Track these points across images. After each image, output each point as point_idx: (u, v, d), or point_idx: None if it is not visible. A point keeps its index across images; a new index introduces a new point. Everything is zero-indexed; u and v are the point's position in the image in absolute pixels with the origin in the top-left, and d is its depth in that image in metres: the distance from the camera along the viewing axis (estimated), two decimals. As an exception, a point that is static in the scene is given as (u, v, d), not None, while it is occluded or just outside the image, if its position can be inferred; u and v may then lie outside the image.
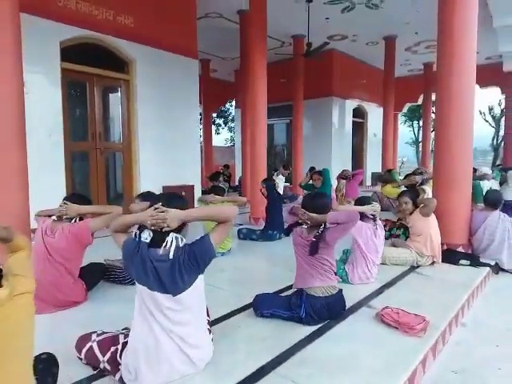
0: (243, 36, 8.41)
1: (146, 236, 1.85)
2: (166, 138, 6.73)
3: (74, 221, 2.79)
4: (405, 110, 16.81)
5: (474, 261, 3.87)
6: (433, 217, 3.78)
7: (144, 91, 6.38)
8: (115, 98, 6.36)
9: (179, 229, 1.86)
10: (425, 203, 3.83)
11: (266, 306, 2.49)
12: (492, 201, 4.14)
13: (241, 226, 5.27)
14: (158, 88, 6.57)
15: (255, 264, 4.03)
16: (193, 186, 7.00)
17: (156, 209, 1.82)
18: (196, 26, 7.19)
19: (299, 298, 2.43)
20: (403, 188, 4.97)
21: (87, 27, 5.52)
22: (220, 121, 24.31)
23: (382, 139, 11.13)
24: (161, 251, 1.81)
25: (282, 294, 2.80)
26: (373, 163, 14.22)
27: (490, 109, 27.68)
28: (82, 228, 2.73)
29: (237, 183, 12.88)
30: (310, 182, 6.61)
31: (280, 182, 9.06)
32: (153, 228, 1.82)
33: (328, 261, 2.48)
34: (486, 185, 9.20)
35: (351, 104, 12.58)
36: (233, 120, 24.28)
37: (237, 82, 13.82)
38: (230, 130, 24.45)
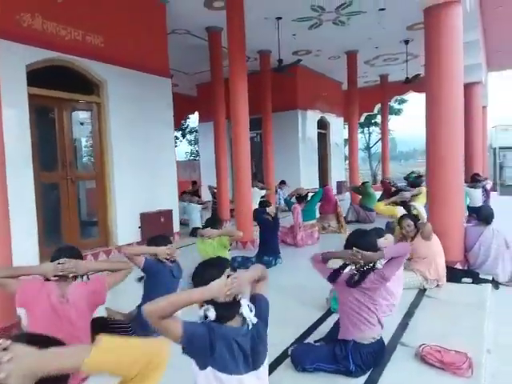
0: (214, 52, 8.27)
1: (211, 314, 1.53)
2: (142, 162, 6.37)
3: (82, 279, 2.44)
4: (362, 119, 17.41)
5: (475, 278, 3.98)
6: (435, 239, 3.83)
7: (117, 113, 6.00)
8: (86, 123, 5.93)
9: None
10: (420, 228, 3.87)
11: (308, 359, 2.33)
12: (485, 216, 4.29)
13: (234, 254, 5.06)
14: (131, 110, 6.21)
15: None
16: (171, 211, 6.68)
17: (229, 276, 1.54)
18: (167, 44, 6.92)
19: (344, 348, 2.30)
20: (398, 207, 5.03)
21: (54, 49, 5.09)
22: (178, 133, 23.75)
23: (349, 149, 11.40)
24: (237, 324, 1.55)
25: (318, 342, 2.66)
26: (337, 172, 14.57)
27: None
28: (100, 285, 2.40)
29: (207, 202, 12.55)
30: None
31: (256, 196, 8.95)
32: (226, 300, 1.51)
33: (378, 303, 2.39)
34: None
35: (315, 116, 12.80)
36: (191, 133, 23.90)
37: (200, 96, 13.62)
38: (190, 143, 24.00)
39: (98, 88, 5.88)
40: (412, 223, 3.93)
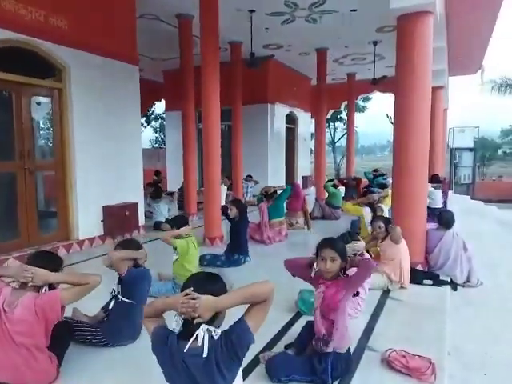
0: (184, 40, 8.02)
1: (175, 326, 1.58)
2: (106, 152, 6.10)
3: (41, 290, 2.28)
4: (329, 115, 17.66)
5: (435, 280, 4.17)
6: (403, 243, 3.97)
7: (79, 101, 5.69)
8: (46, 110, 5.57)
9: (213, 319, 1.57)
10: (390, 231, 4.00)
11: (283, 371, 2.31)
12: (446, 221, 4.50)
13: (203, 252, 4.98)
14: (95, 97, 5.91)
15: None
16: (136, 204, 6.47)
17: (187, 295, 1.54)
18: (136, 30, 6.62)
19: (325, 360, 2.28)
20: (365, 207, 5.16)
21: (12, 29, 4.71)
22: (142, 120, 23.01)
23: (315, 145, 11.55)
24: (190, 345, 1.53)
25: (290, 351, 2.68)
26: (303, 167, 14.75)
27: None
28: (51, 300, 2.23)
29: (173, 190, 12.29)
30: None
31: (222, 192, 8.87)
32: (183, 317, 1.55)
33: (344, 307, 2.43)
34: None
35: (284, 110, 12.83)
36: (156, 119, 23.25)
37: (167, 84, 13.22)
38: (155, 130, 23.32)
39: (60, 73, 5.53)
40: (383, 225, 4.04)
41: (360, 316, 3.28)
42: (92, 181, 5.88)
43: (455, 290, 4.13)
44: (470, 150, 17.97)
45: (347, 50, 10.91)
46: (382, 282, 3.91)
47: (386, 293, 3.87)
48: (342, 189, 9.75)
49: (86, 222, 5.83)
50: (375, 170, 11.50)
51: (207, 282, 1.64)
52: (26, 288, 2.28)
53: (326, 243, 2.50)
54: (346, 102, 15.16)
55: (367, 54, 11.26)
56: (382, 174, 10.55)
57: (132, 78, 6.56)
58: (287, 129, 13.31)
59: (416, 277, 4.13)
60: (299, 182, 14.34)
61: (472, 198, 14.81)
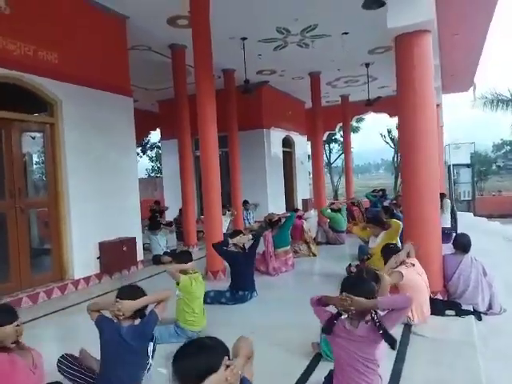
0: (177, 70, 7.97)
1: None
2: (101, 187, 5.87)
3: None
4: (324, 138, 17.65)
5: (458, 310, 3.88)
6: (419, 278, 3.66)
7: (72, 135, 5.50)
8: (38, 146, 5.38)
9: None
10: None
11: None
12: (462, 245, 4.25)
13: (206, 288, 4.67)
14: (88, 131, 5.74)
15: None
16: (134, 239, 6.18)
17: (228, 367, 1.44)
18: (128, 61, 6.53)
19: None
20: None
21: (1, 65, 4.56)
22: (138, 149, 22.96)
23: (313, 167, 11.41)
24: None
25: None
26: (302, 190, 14.57)
27: (389, 131, 30.72)
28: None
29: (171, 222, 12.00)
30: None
31: (225, 222, 8.61)
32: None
33: (376, 360, 2.14)
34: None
35: (280, 134, 12.77)
36: (152, 148, 23.17)
37: (162, 113, 13.18)
38: (151, 159, 23.21)
39: (51, 108, 5.37)
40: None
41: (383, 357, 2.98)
42: (87, 217, 5.63)
43: (480, 319, 3.84)
44: (468, 166, 17.90)
45: (340, 72, 10.97)
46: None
47: (407, 327, 3.58)
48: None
49: (82, 259, 5.54)
50: (374, 191, 11.36)
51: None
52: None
53: (345, 286, 2.25)
54: (340, 124, 15.20)
55: (360, 76, 11.32)
56: (383, 192, 10.41)
57: (126, 109, 6.42)
58: (284, 152, 13.22)
59: (437, 308, 3.84)
60: (299, 205, 14.16)
61: (474, 215, 14.62)
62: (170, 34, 7.22)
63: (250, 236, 4.74)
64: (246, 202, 10.73)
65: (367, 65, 10.14)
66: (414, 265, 3.73)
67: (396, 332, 3.35)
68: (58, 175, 5.41)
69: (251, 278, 4.60)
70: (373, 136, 34.40)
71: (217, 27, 6.58)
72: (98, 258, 5.70)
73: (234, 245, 4.60)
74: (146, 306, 2.58)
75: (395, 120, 26.70)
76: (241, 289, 4.45)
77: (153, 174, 22.55)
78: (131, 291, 2.55)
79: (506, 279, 5.02)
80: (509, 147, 50.93)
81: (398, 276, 3.56)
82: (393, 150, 31.07)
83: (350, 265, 5.12)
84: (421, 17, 4.01)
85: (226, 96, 9.84)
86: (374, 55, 9.41)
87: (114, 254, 5.74)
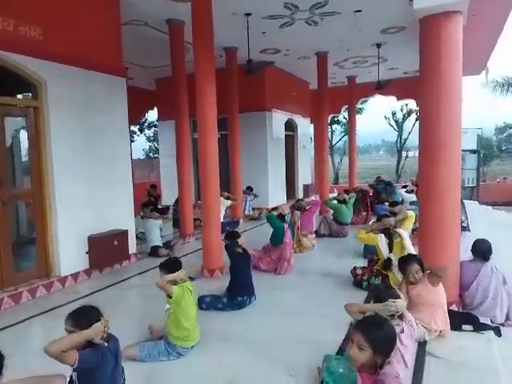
0: (175, 46, 7.42)
1: None
2: (91, 176, 5.47)
3: None
4: (328, 120, 17.08)
5: (476, 324, 3.56)
6: (441, 284, 3.34)
7: (58, 119, 5.05)
8: (20, 132, 4.94)
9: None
10: (433, 271, 3.36)
11: None
12: (482, 251, 3.89)
13: (202, 292, 4.33)
14: (76, 114, 5.28)
15: (242, 361, 3.15)
16: (126, 232, 5.80)
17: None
18: (121, 39, 5.99)
19: None
20: (380, 235, 4.54)
21: (-24, 41, 4.08)
22: (135, 128, 22.31)
23: (315, 151, 10.96)
24: None
25: None
26: (303, 175, 14.14)
27: (393, 114, 30.02)
28: None
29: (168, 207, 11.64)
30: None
31: (221, 207, 8.24)
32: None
33: None
34: (411, 198, 9.55)
35: (283, 117, 12.23)
36: (149, 127, 22.57)
37: (159, 92, 12.61)
38: (148, 139, 22.60)
39: (35, 89, 4.89)
40: (419, 267, 3.38)
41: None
42: (75, 208, 5.24)
43: (499, 335, 3.51)
44: (474, 151, 17.41)
45: (349, 53, 10.34)
46: (419, 333, 3.29)
47: (422, 346, 3.26)
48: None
49: (69, 255, 5.18)
50: (378, 178, 10.95)
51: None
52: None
53: (357, 326, 2.06)
54: (346, 106, 14.63)
55: (369, 57, 10.71)
56: (389, 184, 10.00)
57: (119, 91, 5.93)
58: (286, 136, 12.71)
59: (453, 321, 3.51)
60: (300, 191, 13.78)
61: (479, 202, 14.25)
62: (168, 8, 6.64)
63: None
64: (249, 188, 10.33)
65: (378, 45, 9.51)
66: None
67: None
68: (42, 163, 4.98)
69: (250, 282, 4.26)
70: (374, 117, 33.75)
71: (219, 1, 6.05)
72: (86, 253, 5.35)
73: (238, 245, 4.24)
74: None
75: (400, 103, 26.16)
76: (239, 294, 4.10)
77: (150, 155, 22.02)
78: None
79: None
80: (511, 130, 50.28)
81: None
82: (396, 132, 30.52)
83: (354, 267, 4.77)
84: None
85: (227, 76, 9.29)
86: (386, 35, 8.79)
87: (104, 248, 5.38)
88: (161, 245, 6.63)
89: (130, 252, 6.01)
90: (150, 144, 22.79)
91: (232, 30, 7.86)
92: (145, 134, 22.59)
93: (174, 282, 3.24)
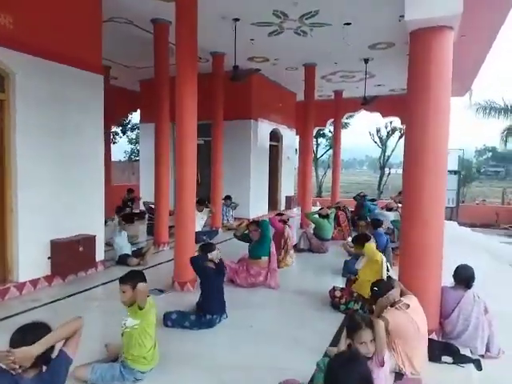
0: (159, 47, 7.17)
1: None
2: (58, 177, 5.12)
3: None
4: (313, 133, 17.01)
5: (456, 356, 3.37)
6: (410, 325, 3.09)
7: (26, 115, 4.71)
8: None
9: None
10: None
11: None
12: (464, 278, 3.73)
13: (169, 308, 4.02)
14: (47, 111, 4.95)
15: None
16: (93, 238, 5.44)
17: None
18: (101, 33, 5.70)
19: None
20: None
21: None
22: (117, 129, 21.81)
23: (300, 165, 10.80)
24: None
25: None
26: (286, 186, 13.98)
27: (378, 130, 30.35)
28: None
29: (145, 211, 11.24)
30: (247, 231, 5.64)
31: (197, 220, 7.95)
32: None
33: None
34: (391, 216, 9.45)
35: (268, 127, 12.07)
36: (132, 129, 22.11)
37: (143, 94, 12.30)
38: (130, 141, 22.10)
39: (2, 81, 4.55)
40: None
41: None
42: (38, 210, 4.88)
43: (480, 369, 3.33)
44: (455, 172, 17.65)
45: (336, 66, 10.31)
46: (392, 364, 3.08)
47: (398, 376, 3.04)
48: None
49: (29, 259, 4.80)
50: (360, 194, 10.86)
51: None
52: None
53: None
54: (331, 120, 14.61)
55: (356, 72, 10.71)
56: (373, 198, 9.90)
57: (95, 89, 5.61)
58: (271, 146, 12.55)
59: (432, 351, 3.32)
60: (282, 203, 13.59)
61: (458, 223, 14.36)
62: (153, 6, 6.40)
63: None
64: (228, 198, 10.07)
65: (366, 60, 9.50)
66: (409, 305, 3.16)
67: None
68: (5, 161, 4.62)
69: (222, 299, 3.98)
70: (359, 132, 34.09)
71: (207, 4, 5.87)
72: (48, 258, 4.98)
73: (210, 260, 3.95)
74: (53, 347, 2.04)
75: (384, 120, 26.49)
76: (209, 312, 3.82)
77: (132, 157, 21.51)
78: (26, 334, 1.95)
79: (503, 311, 4.55)
80: (490, 153, 51.84)
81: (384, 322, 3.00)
82: (380, 149, 30.84)
83: (334, 288, 4.55)
84: (446, 10, 3.39)
85: (213, 81, 9.10)
86: (374, 51, 8.77)
87: (69, 254, 5.02)
88: (129, 253, 6.27)
89: (98, 259, 5.65)
90: (132, 146, 22.29)
91: (220, 34, 7.69)
92: (127, 136, 22.11)
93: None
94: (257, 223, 5.49)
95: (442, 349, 3.42)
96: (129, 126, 21.73)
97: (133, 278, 2.96)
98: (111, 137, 21.04)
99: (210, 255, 3.88)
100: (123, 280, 2.96)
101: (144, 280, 2.94)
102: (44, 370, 1.99)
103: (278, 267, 5.90)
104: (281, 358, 3.30)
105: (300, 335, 3.73)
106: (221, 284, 3.97)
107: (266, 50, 9.01)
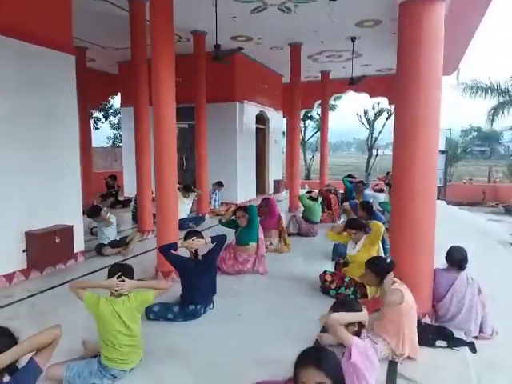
0: (136, 26, 6.79)
1: None
2: (29, 165, 4.82)
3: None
4: (301, 115, 16.75)
5: (450, 339, 3.27)
6: (406, 301, 2.95)
7: (-8, 98, 4.38)
8: None
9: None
10: (385, 294, 2.98)
11: None
12: (457, 260, 3.61)
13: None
14: (15, 95, 4.61)
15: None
16: (71, 228, 5.17)
17: None
18: (71, 11, 5.32)
19: None
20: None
21: None
22: (99, 114, 21.19)
23: (288, 148, 10.59)
24: None
25: None
26: (274, 170, 13.77)
27: (365, 112, 30.21)
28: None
29: (130, 199, 10.95)
30: (233, 217, 5.43)
31: (183, 206, 7.73)
32: None
33: None
34: (381, 197, 9.38)
35: (254, 109, 11.77)
36: (115, 114, 21.50)
37: (122, 76, 11.82)
38: (113, 126, 21.50)
39: (-40, 61, 4.20)
40: (370, 272, 3.06)
41: None
42: (9, 201, 4.59)
43: (474, 352, 3.24)
44: (442, 152, 17.67)
45: (322, 45, 9.99)
46: (385, 352, 2.96)
47: (392, 366, 2.93)
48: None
49: (2, 252, 4.54)
50: (350, 176, 10.72)
51: None
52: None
53: (307, 359, 1.73)
54: (319, 102, 14.36)
55: (343, 51, 10.42)
56: (362, 183, 9.77)
57: (66, 70, 5.25)
58: (257, 129, 12.27)
59: (425, 337, 3.21)
60: (270, 187, 13.41)
61: (446, 202, 14.43)
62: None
63: (209, 240, 3.86)
64: (219, 184, 9.82)
65: (353, 39, 9.21)
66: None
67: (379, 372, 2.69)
68: (-30, 148, 4.31)
69: (206, 290, 3.79)
70: (347, 114, 34.00)
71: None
72: (24, 251, 4.71)
73: (186, 247, 3.74)
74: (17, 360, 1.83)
75: (372, 101, 26.29)
76: (192, 302, 3.64)
77: (115, 143, 20.97)
78: None
79: (494, 290, 4.47)
80: (476, 133, 52.37)
81: (399, 296, 2.88)
82: (367, 130, 30.77)
83: (325, 272, 4.41)
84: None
85: (195, 62, 8.73)
86: (361, 28, 8.48)
87: (45, 246, 4.76)
88: (107, 242, 5.97)
89: (77, 250, 5.41)
90: (115, 132, 21.71)
91: (201, 12, 7.33)
92: (110, 121, 21.51)
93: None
94: (244, 209, 5.29)
95: (435, 333, 3.31)
96: (111, 110, 21.12)
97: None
98: (92, 122, 20.55)
99: (180, 243, 3.67)
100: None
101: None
102: (7, 381, 1.79)
103: (281, 252, 6.04)
104: (270, 350, 3.14)
105: (289, 323, 3.59)
106: (202, 274, 3.75)
107: (250, 29, 8.65)
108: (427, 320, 3.52)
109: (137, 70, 6.89)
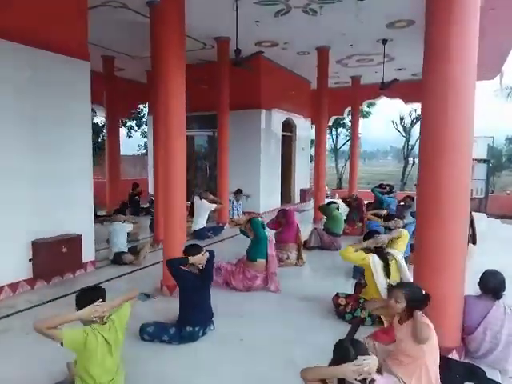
0: (154, 32, 6.70)
1: None
2: (38, 171, 4.74)
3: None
4: (330, 122, 16.28)
5: (482, 381, 2.78)
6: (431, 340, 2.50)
7: (3, 105, 4.35)
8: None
9: None
10: (417, 329, 2.51)
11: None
12: (493, 287, 3.10)
13: (147, 318, 3.57)
14: (27, 101, 4.58)
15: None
16: (79, 237, 5.04)
17: None
18: (86, 17, 5.28)
19: None
20: (371, 255, 3.78)
21: None
22: (133, 123, 21.64)
23: (315, 154, 10.15)
24: None
25: None
26: (300, 179, 13.36)
27: (401, 119, 29.13)
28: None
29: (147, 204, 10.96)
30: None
31: (203, 211, 7.54)
32: None
33: None
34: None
35: (280, 116, 11.46)
36: (147, 123, 21.86)
37: (149, 85, 11.91)
38: (144, 135, 21.87)
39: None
40: (404, 301, 2.57)
41: None
42: (17, 209, 4.53)
43: (511, 399, 2.74)
44: (484, 161, 16.54)
45: (352, 49, 9.55)
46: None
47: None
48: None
49: (8, 261, 4.47)
50: (381, 186, 10.13)
51: None
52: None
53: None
54: (349, 108, 13.85)
55: (374, 55, 9.92)
56: (391, 190, 9.19)
57: (80, 76, 5.19)
58: (284, 137, 11.94)
59: (452, 375, 2.73)
60: (297, 194, 13.01)
61: (487, 215, 13.39)
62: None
63: (207, 254, 3.55)
64: (239, 191, 9.57)
65: (384, 41, 8.73)
66: None
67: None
68: (-21, 154, 4.28)
69: (207, 309, 3.50)
70: (383, 122, 33.05)
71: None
72: (30, 260, 4.63)
73: (192, 265, 3.45)
74: None
75: (409, 107, 25.25)
76: (189, 323, 3.34)
77: (145, 151, 21.29)
78: None
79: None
80: (522, 140, 49.12)
81: (432, 333, 2.42)
82: (404, 138, 29.63)
83: (337, 295, 3.99)
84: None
85: (218, 69, 8.57)
86: (393, 30, 8.00)
87: (51, 256, 4.66)
88: (126, 250, 5.87)
89: (86, 260, 5.28)
90: (146, 140, 22.06)
91: (222, 18, 7.15)
92: (142, 130, 21.89)
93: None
94: (248, 221, 4.97)
95: (464, 372, 2.82)
96: (144, 119, 21.49)
97: (80, 302, 2.47)
98: (126, 130, 21.01)
99: (191, 259, 3.38)
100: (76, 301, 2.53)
101: (85, 305, 2.42)
102: None
103: (297, 265, 5.77)
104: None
105: (295, 353, 3.20)
106: (205, 293, 3.47)
107: (274, 33, 8.38)
108: (455, 356, 3.02)
109: (156, 76, 6.79)
